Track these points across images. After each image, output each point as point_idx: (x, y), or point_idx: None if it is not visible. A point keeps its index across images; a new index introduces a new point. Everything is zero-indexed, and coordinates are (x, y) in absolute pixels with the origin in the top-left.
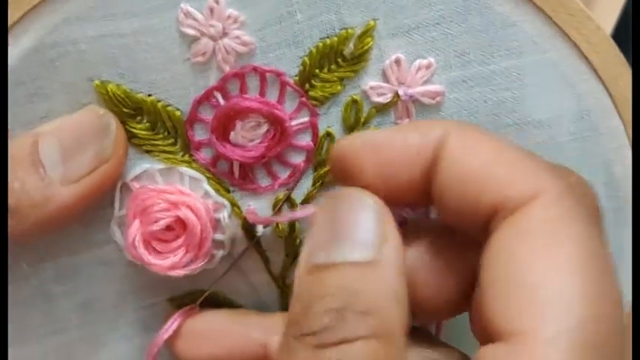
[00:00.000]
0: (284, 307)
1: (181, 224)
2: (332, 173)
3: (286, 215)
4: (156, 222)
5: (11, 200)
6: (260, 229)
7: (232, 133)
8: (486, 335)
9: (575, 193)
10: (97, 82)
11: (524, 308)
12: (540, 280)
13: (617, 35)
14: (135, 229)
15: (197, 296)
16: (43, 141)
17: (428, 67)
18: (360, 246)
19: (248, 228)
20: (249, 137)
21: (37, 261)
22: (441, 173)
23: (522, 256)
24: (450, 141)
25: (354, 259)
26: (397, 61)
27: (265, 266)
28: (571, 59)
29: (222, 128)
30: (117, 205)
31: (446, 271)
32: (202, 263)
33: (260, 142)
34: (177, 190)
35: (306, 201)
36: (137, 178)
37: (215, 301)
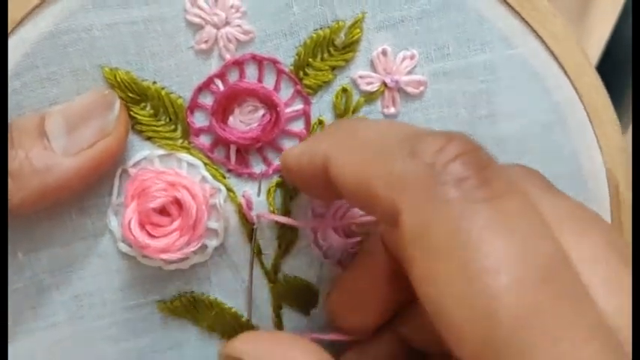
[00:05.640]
0: (275, 304)
1: (177, 207)
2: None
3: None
4: (152, 201)
5: (14, 166)
6: (255, 218)
7: (231, 118)
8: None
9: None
10: (106, 68)
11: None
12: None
13: (616, 38)
14: (132, 210)
15: (187, 298)
16: (50, 116)
17: (412, 58)
18: None
19: (244, 213)
20: (246, 121)
21: (32, 250)
22: (337, 187)
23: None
24: (330, 160)
25: None
26: (384, 52)
27: (257, 258)
28: (540, 54)
29: (222, 112)
30: (115, 191)
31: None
32: (195, 247)
33: (257, 126)
34: (176, 172)
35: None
36: (136, 164)
37: (204, 304)
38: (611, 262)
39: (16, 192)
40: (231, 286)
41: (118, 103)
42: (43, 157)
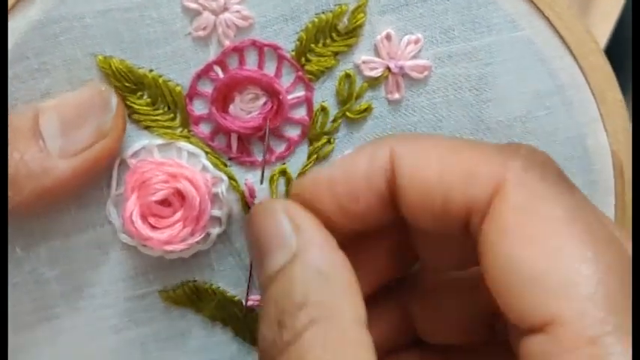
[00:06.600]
0: None
1: (179, 198)
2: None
3: None
4: (154, 193)
5: (9, 170)
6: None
7: (231, 106)
8: (525, 330)
9: (532, 163)
10: (100, 57)
11: (545, 300)
12: (546, 268)
13: (616, 36)
14: (132, 203)
15: (189, 287)
16: (44, 114)
17: (416, 42)
18: (281, 251)
19: (247, 202)
20: (247, 109)
21: (31, 244)
22: (403, 192)
23: (518, 252)
24: (399, 159)
25: (281, 264)
26: (388, 37)
27: None
28: (545, 36)
29: (222, 100)
30: (114, 182)
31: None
32: (199, 238)
33: (258, 114)
34: (176, 163)
35: (301, 174)
36: (135, 154)
37: (207, 292)
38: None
39: (12, 196)
40: (234, 273)
41: (114, 101)
42: (39, 159)
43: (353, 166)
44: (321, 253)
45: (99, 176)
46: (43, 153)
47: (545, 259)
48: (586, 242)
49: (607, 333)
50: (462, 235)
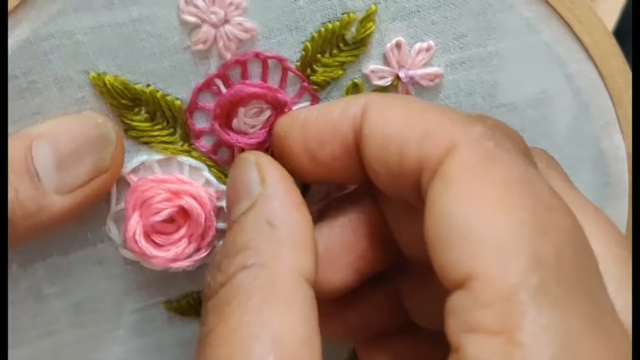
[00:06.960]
0: None
1: (183, 215)
2: (272, 150)
3: None
4: (157, 213)
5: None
6: None
7: (235, 120)
8: (449, 287)
9: (494, 132)
10: (93, 74)
11: (468, 255)
12: (477, 224)
13: (618, 35)
14: (135, 222)
15: (194, 298)
16: (37, 146)
17: (428, 50)
18: (244, 201)
19: None
20: (251, 124)
21: (28, 261)
22: (365, 144)
23: (454, 206)
24: (369, 113)
25: (242, 210)
26: (398, 45)
27: None
28: (564, 40)
29: (225, 116)
30: (114, 199)
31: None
32: (205, 254)
33: (262, 128)
34: (178, 179)
35: (307, 185)
36: (135, 170)
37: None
38: (620, 260)
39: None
40: None
41: (112, 135)
42: (35, 198)
43: (327, 111)
44: (278, 205)
45: None
46: (39, 191)
47: (478, 216)
48: (526, 207)
49: (524, 292)
50: (416, 200)
